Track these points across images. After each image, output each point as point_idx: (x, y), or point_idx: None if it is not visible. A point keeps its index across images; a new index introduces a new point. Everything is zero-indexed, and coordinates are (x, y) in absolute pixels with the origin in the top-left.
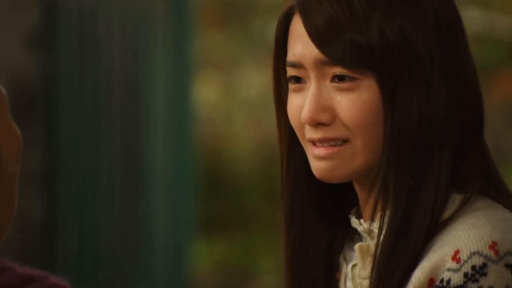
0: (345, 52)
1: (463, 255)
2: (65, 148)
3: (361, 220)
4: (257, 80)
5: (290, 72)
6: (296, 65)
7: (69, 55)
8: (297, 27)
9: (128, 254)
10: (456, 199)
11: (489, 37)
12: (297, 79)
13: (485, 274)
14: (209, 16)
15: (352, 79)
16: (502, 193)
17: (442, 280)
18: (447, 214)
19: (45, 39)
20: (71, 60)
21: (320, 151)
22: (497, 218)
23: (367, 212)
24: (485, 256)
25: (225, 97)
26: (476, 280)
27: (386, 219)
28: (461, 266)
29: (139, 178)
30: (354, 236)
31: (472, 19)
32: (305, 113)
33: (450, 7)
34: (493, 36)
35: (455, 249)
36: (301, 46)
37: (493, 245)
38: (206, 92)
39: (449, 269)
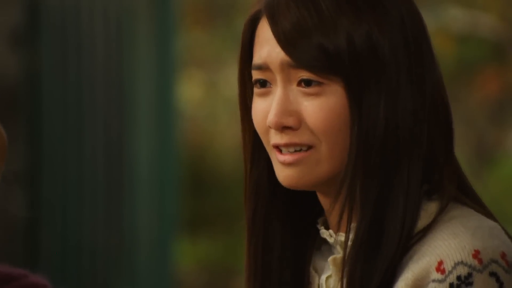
0: (312, 56)
1: (447, 266)
2: (48, 146)
3: (331, 231)
4: None
5: (256, 75)
6: (262, 67)
7: (52, 53)
8: (264, 30)
9: (112, 252)
10: (429, 207)
11: (471, 36)
12: (263, 83)
13: (470, 284)
14: (193, 14)
15: (319, 83)
16: (473, 200)
17: None
18: (422, 223)
19: (28, 37)
20: (54, 58)
21: (286, 157)
22: (474, 225)
23: (333, 221)
24: (470, 266)
25: (209, 96)
26: None
27: (353, 229)
28: (446, 276)
29: (122, 177)
30: (321, 245)
31: (455, 18)
32: (271, 117)
33: (416, 16)
34: (476, 34)
35: (438, 260)
36: (268, 48)
37: (476, 254)
38: (189, 91)
39: (434, 280)
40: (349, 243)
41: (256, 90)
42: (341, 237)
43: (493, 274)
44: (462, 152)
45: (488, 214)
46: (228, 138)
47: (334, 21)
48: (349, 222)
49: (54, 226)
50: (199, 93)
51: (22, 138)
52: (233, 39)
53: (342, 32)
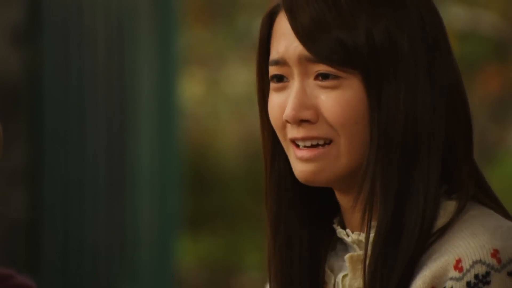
0: (330, 50)
1: (466, 264)
2: (50, 144)
3: (347, 230)
4: (242, 77)
5: (273, 70)
6: (279, 62)
7: (54, 51)
8: (282, 25)
9: (114, 251)
10: (448, 205)
11: (473, 34)
12: (280, 78)
13: (488, 283)
14: (195, 12)
15: (336, 77)
16: (491, 199)
17: None
18: (441, 221)
19: (30, 34)
20: (56, 56)
21: (303, 153)
22: (493, 225)
23: (353, 221)
24: (488, 265)
25: (211, 94)
26: None
27: (373, 227)
28: (464, 275)
29: (124, 175)
30: (336, 244)
31: (456, 16)
32: (288, 111)
33: (434, 12)
34: (477, 33)
35: (457, 258)
36: (285, 42)
37: (495, 253)
38: (191, 89)
39: (451, 278)
40: (370, 240)
41: (272, 85)
42: (358, 235)
43: (511, 274)
44: None
45: (506, 214)
46: (229, 136)
47: (353, 16)
48: (369, 220)
49: (55, 225)
50: (201, 91)
51: (24, 137)
52: (235, 37)
53: (362, 27)
